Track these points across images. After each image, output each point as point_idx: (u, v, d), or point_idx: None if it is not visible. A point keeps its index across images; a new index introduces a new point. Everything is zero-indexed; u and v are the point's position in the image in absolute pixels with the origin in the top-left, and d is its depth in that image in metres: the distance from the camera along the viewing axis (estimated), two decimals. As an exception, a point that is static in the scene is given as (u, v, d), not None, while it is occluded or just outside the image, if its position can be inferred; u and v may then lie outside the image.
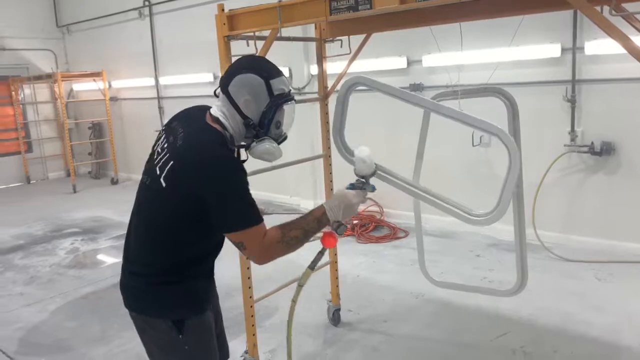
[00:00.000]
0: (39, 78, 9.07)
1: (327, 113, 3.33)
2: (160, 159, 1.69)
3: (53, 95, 9.92)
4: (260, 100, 1.71)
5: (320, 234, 1.85)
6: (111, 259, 5.20)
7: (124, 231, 1.89)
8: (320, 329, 3.53)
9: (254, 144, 1.76)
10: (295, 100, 1.81)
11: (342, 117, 2.06)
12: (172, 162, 1.63)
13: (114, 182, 9.17)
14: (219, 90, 1.77)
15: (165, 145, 1.71)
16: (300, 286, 2.08)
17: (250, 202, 1.64)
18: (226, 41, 2.67)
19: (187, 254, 1.74)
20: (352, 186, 1.89)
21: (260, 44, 2.66)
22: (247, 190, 1.64)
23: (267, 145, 1.76)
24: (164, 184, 1.64)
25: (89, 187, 9.01)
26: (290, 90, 1.80)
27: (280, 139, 1.82)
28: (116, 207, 7.07)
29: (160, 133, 1.83)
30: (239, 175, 1.64)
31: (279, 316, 3.71)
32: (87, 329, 3.75)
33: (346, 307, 3.68)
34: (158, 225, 1.71)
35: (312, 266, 2.02)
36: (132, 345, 3.32)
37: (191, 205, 1.61)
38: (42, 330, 3.79)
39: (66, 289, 4.51)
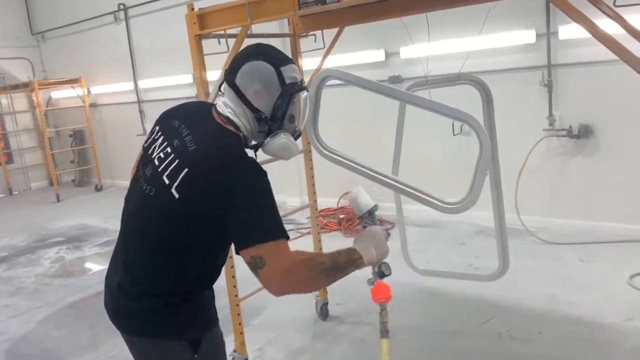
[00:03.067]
0: (16, 87, 8.94)
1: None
2: (167, 166, 1.49)
3: (31, 104, 9.79)
4: (271, 90, 1.54)
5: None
6: (97, 266, 5.15)
7: (109, 238, 1.80)
8: (309, 323, 3.54)
9: (268, 139, 1.57)
10: (307, 90, 1.65)
11: (315, 112, 2.06)
12: (186, 170, 1.43)
13: (98, 189, 9.09)
14: (224, 85, 1.59)
15: (170, 150, 1.51)
16: None
17: (277, 213, 1.43)
18: (197, 40, 2.65)
19: (201, 269, 1.60)
20: (366, 224, 1.74)
21: (232, 42, 2.65)
22: (274, 198, 1.44)
23: (283, 139, 1.56)
24: (176, 195, 1.43)
25: (72, 195, 8.92)
26: (302, 79, 1.63)
27: (295, 134, 1.63)
28: (101, 214, 7.01)
29: (154, 133, 1.62)
30: (266, 182, 1.44)
31: (266, 314, 3.71)
32: (74, 337, 3.72)
33: (334, 301, 3.69)
34: (170, 242, 1.50)
35: (385, 333, 1.60)
36: (120, 351, 3.30)
37: (210, 218, 1.42)
38: (29, 341, 3.76)
39: (52, 298, 4.47)
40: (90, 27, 8.62)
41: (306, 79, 3.32)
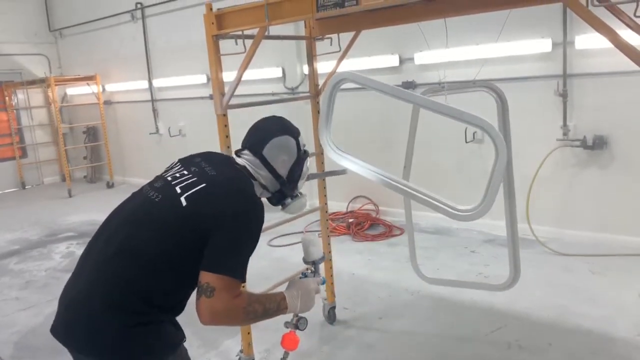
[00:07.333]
0: (33, 83, 9.04)
1: (318, 111, 3.34)
2: (182, 180, 1.63)
3: (47, 100, 9.90)
4: (292, 158, 1.81)
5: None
6: (107, 262, 5.18)
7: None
8: (316, 326, 3.53)
9: (289, 200, 1.84)
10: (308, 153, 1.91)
11: (329, 115, 2.06)
12: (203, 185, 1.59)
13: (110, 185, 9.16)
14: (245, 152, 1.80)
15: (186, 172, 1.66)
16: None
17: (249, 256, 1.57)
18: (215, 40, 2.67)
19: (175, 291, 1.61)
20: (304, 275, 1.86)
21: (249, 43, 2.66)
22: (256, 244, 1.60)
23: (303, 201, 1.87)
24: (184, 203, 1.56)
25: (84, 192, 8.99)
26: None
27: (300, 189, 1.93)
28: (111, 211, 7.05)
29: (174, 164, 1.79)
30: (260, 228, 1.61)
31: (274, 315, 3.71)
32: (82, 332, 3.74)
33: (342, 305, 3.68)
34: (158, 248, 1.55)
35: None
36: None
37: (202, 232, 1.52)
38: (38, 334, 3.78)
39: (62, 292, 4.49)
40: (107, 25, 8.70)
41: (320, 82, 3.35)
